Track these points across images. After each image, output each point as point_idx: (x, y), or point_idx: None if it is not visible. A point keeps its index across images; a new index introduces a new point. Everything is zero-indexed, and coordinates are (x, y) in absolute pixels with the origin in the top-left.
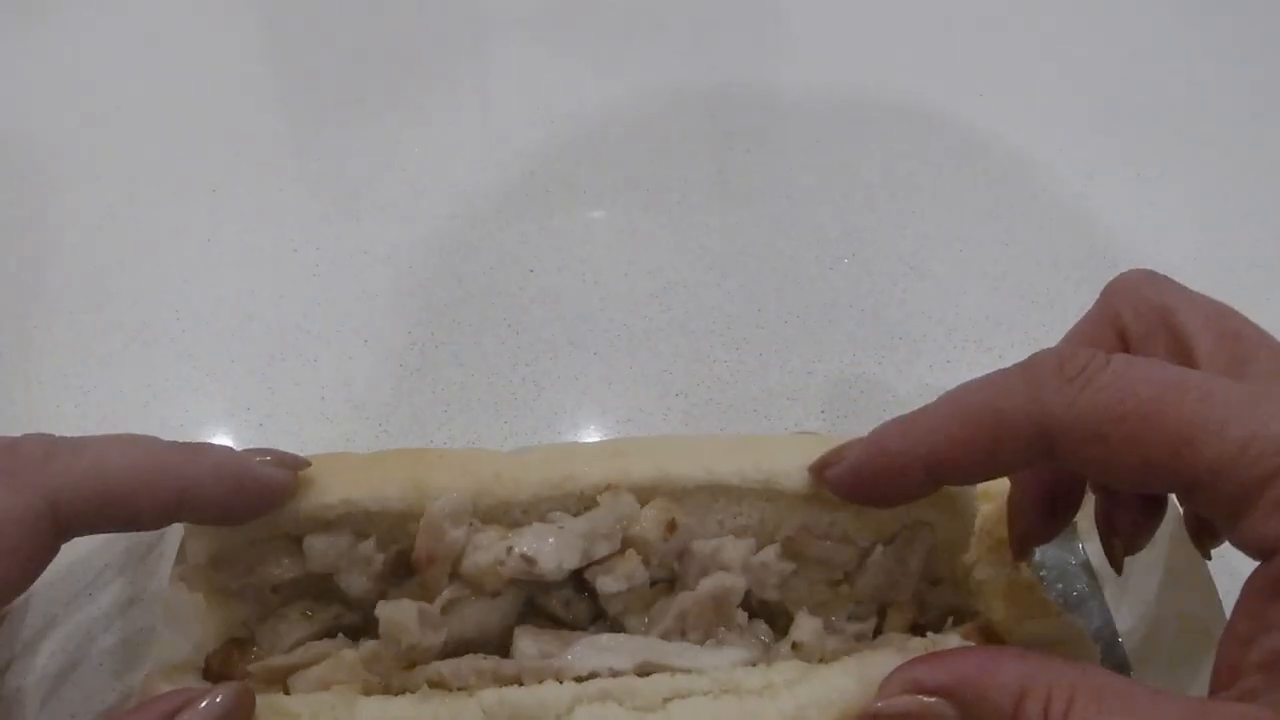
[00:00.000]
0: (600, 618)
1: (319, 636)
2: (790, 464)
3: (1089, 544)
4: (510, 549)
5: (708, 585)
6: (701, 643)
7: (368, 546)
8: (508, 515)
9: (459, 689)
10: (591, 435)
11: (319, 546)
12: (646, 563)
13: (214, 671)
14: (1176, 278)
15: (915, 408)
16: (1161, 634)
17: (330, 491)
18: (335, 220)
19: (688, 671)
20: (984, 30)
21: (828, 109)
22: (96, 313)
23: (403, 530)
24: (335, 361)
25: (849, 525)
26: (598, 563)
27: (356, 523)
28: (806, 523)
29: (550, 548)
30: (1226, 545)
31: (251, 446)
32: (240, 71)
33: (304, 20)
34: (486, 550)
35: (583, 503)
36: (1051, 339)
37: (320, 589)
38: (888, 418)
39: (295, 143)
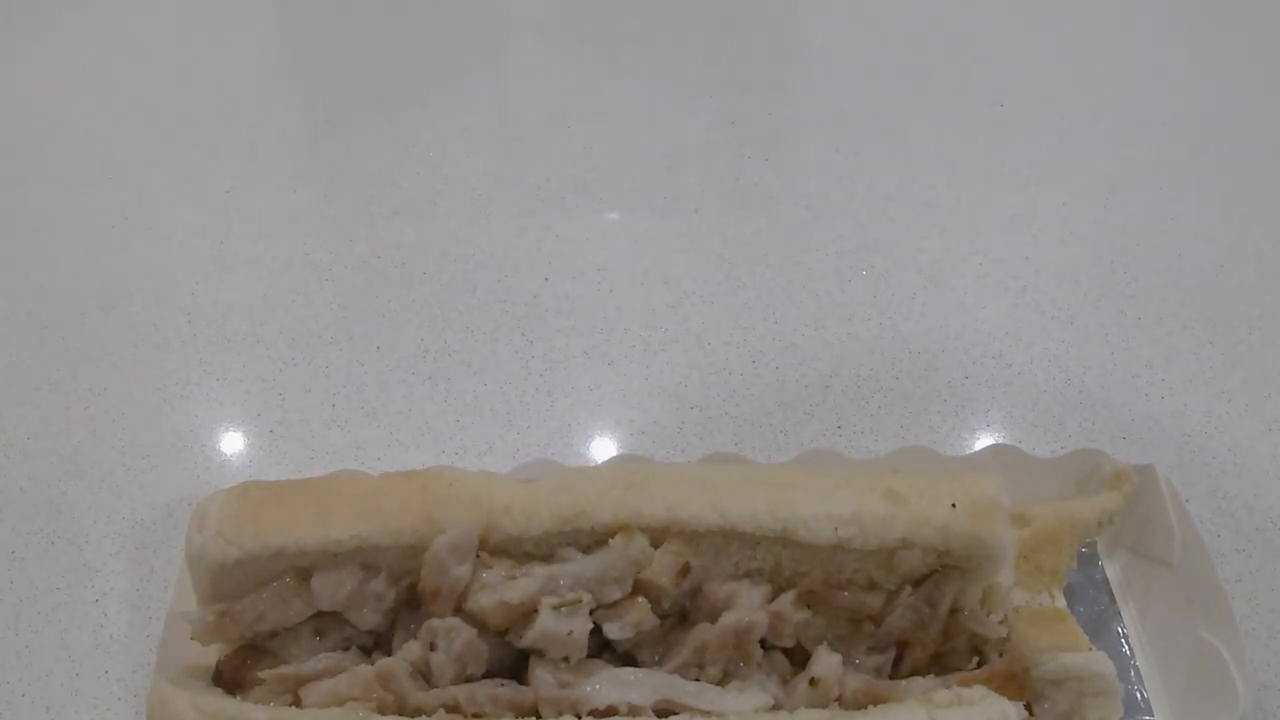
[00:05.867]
0: (609, 647)
1: (332, 650)
2: (808, 511)
3: (1110, 563)
4: (520, 638)
5: (730, 620)
6: (720, 679)
7: (378, 584)
8: (518, 548)
9: (474, 716)
10: (605, 448)
11: (328, 584)
12: (657, 606)
13: (225, 678)
14: (1199, 293)
15: (932, 423)
16: (1180, 655)
17: (338, 525)
18: (349, 224)
19: (707, 714)
20: (1004, 40)
21: (846, 118)
22: (108, 314)
23: (414, 563)
24: (347, 368)
25: (875, 571)
26: (607, 606)
27: (365, 556)
28: (828, 572)
29: (570, 639)
30: (1245, 571)
31: (262, 453)
32: (255, 73)
33: (319, 22)
34: (492, 592)
35: (594, 537)
36: (1071, 355)
37: (331, 615)
38: (905, 433)
39: (310, 145)
